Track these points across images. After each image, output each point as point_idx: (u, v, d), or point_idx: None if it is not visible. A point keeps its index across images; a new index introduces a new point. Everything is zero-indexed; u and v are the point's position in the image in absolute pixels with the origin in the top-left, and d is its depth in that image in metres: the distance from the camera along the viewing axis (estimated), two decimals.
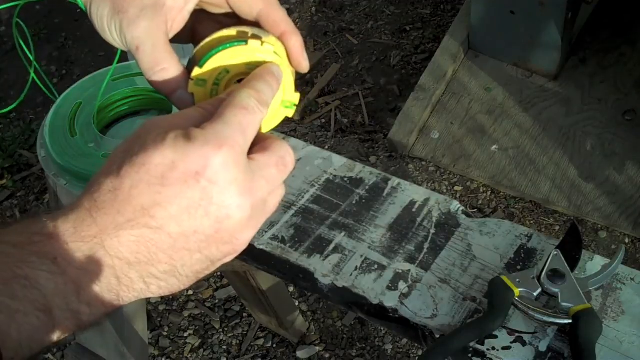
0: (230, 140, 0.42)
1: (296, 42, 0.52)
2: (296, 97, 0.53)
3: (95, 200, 0.41)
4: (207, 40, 0.51)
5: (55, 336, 0.41)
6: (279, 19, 0.51)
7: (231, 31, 0.51)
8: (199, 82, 0.51)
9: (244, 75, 0.51)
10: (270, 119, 0.53)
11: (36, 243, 0.40)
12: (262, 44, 0.49)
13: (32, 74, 0.61)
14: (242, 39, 0.49)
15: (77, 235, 0.41)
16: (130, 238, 0.41)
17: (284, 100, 0.53)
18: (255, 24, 0.53)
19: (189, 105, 0.50)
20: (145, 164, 0.41)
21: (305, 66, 0.52)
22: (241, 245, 0.45)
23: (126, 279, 0.42)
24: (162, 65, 0.50)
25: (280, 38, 0.52)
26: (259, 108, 0.45)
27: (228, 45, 0.49)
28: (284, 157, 0.46)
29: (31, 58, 0.62)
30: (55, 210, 0.43)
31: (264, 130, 0.53)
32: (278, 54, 0.51)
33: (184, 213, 0.41)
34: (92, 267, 0.41)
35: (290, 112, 0.54)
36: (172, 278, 0.44)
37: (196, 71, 0.50)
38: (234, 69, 0.51)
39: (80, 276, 0.41)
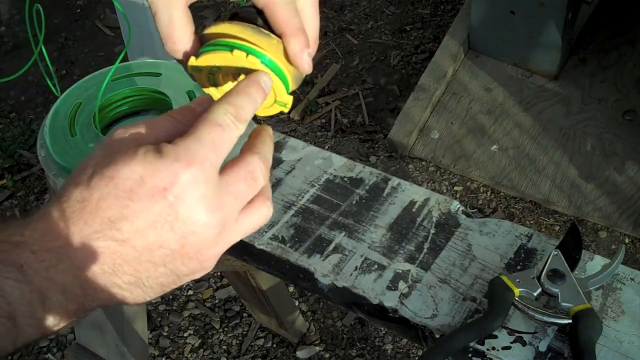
0: (200, 157, 0.43)
1: (295, 44, 0.51)
2: (289, 99, 0.53)
3: (64, 210, 0.42)
4: (213, 27, 0.51)
5: (19, 343, 0.41)
6: (281, 18, 0.51)
7: (233, 27, 0.50)
8: (196, 69, 0.51)
9: (238, 72, 0.51)
10: (264, 109, 0.54)
11: (3, 251, 0.41)
12: (246, 56, 0.49)
13: (36, 55, 0.61)
14: (231, 43, 0.49)
15: (44, 245, 0.41)
16: (96, 249, 0.42)
17: (277, 100, 0.53)
18: None
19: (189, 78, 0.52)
20: (114, 178, 0.41)
21: (304, 68, 0.52)
22: (208, 262, 0.46)
23: (90, 289, 0.43)
24: (174, 39, 0.50)
25: (281, 38, 0.52)
26: (235, 125, 0.45)
27: (216, 49, 0.50)
28: (253, 171, 0.46)
29: (36, 52, 0.62)
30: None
31: (259, 114, 0.53)
32: (273, 58, 0.51)
33: (150, 227, 0.42)
34: (57, 277, 0.41)
35: (285, 109, 0.54)
36: (136, 289, 0.44)
37: (192, 60, 0.51)
38: (224, 68, 0.51)
39: (46, 285, 0.41)
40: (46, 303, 0.41)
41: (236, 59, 0.50)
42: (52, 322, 0.42)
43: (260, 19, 0.52)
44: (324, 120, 2.20)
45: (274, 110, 0.54)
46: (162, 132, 0.45)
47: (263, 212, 0.48)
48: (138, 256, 0.43)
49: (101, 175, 0.42)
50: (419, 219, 0.82)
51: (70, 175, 0.44)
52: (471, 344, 0.69)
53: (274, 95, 0.53)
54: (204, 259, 0.45)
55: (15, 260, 0.40)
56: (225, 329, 1.73)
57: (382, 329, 1.69)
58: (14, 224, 0.42)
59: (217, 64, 0.51)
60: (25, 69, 0.66)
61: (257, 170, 0.47)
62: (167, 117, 0.47)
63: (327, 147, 2.09)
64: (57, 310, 0.42)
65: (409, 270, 0.77)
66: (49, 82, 0.70)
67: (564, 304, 0.69)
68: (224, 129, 0.45)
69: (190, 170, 0.42)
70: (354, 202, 0.84)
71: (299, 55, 0.51)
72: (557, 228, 1.84)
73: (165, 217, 0.42)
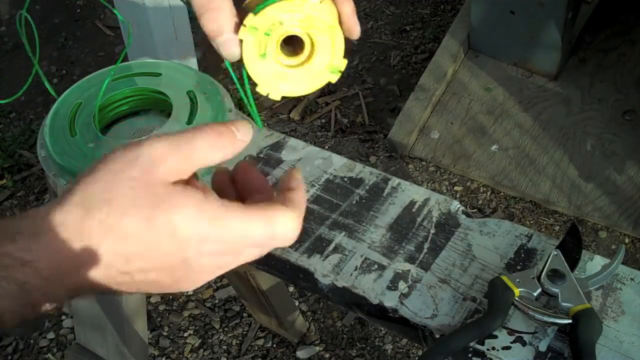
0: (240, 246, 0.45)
1: (348, 6, 0.50)
2: (343, 63, 0.52)
3: (88, 231, 0.41)
4: None
5: None
6: None
7: None
8: (251, 30, 0.49)
9: (295, 32, 0.50)
10: (312, 79, 0.52)
11: (8, 267, 0.40)
12: (320, 2, 0.48)
13: (36, 67, 0.61)
14: None
15: (50, 263, 0.41)
16: (99, 275, 0.42)
17: (330, 64, 0.52)
18: None
19: (233, 51, 0.49)
20: (161, 231, 0.42)
21: (356, 32, 0.51)
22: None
23: (76, 296, 0.44)
24: (215, 3, 0.48)
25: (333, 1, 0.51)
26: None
27: None
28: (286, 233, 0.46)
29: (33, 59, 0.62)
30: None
31: (302, 92, 0.51)
32: (331, 16, 0.50)
33: (159, 272, 0.43)
34: (54, 291, 0.42)
35: (334, 78, 0.53)
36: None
37: (250, 18, 0.48)
38: (288, 22, 0.49)
39: (40, 299, 0.41)
40: (35, 309, 0.42)
41: (308, 6, 0.48)
42: (30, 315, 0.42)
43: None
44: (324, 120, 2.20)
45: (323, 81, 0.52)
46: (200, 160, 0.44)
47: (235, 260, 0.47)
48: (130, 282, 0.43)
49: (146, 217, 0.41)
50: (419, 219, 0.82)
51: (91, 183, 0.42)
52: (471, 344, 0.69)
53: (329, 58, 0.51)
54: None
55: (20, 279, 0.40)
56: (225, 329, 1.73)
57: (382, 329, 1.69)
58: (25, 232, 0.41)
59: (283, 17, 0.49)
60: (24, 89, 0.67)
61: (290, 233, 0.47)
62: (205, 141, 0.44)
63: (327, 147, 2.09)
64: (40, 309, 0.42)
65: (409, 270, 0.77)
66: (47, 85, 0.70)
67: (564, 304, 0.69)
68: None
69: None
70: (354, 202, 0.84)
71: (352, 17, 0.50)
72: (557, 228, 1.84)
73: (176, 270, 0.43)
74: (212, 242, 0.42)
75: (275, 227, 0.44)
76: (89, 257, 0.41)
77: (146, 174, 0.42)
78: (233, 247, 0.43)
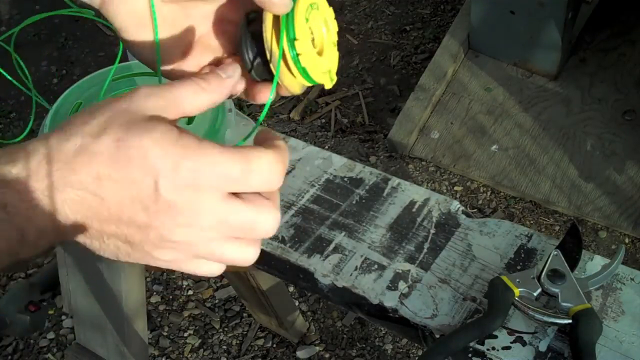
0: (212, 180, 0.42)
1: None
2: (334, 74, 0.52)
3: (60, 151, 0.41)
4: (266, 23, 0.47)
5: None
6: None
7: None
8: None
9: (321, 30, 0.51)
10: (315, 76, 0.50)
11: None
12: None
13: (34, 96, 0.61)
14: None
15: (30, 185, 0.41)
16: (74, 198, 0.42)
17: (332, 70, 0.52)
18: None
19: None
20: (131, 147, 0.41)
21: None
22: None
23: (62, 234, 0.43)
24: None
25: None
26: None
27: None
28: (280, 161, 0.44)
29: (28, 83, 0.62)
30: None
31: (299, 91, 0.50)
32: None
33: (129, 201, 0.42)
34: (36, 217, 0.42)
35: (330, 84, 0.52)
36: (96, 242, 0.44)
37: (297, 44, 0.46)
38: (313, 22, 0.49)
39: (24, 224, 0.41)
40: (23, 239, 0.42)
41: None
42: (25, 254, 0.42)
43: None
44: (324, 120, 2.20)
45: (320, 80, 0.51)
46: (187, 102, 0.45)
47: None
48: (107, 218, 0.43)
49: (117, 138, 0.41)
50: (419, 219, 0.82)
51: (77, 116, 0.43)
52: (471, 344, 0.69)
53: (330, 63, 0.51)
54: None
55: (1, 199, 0.40)
56: (225, 329, 1.73)
57: (382, 329, 1.69)
58: (6, 152, 0.42)
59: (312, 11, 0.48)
60: (26, 133, 0.67)
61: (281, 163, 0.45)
62: (192, 84, 0.45)
63: (327, 147, 2.09)
64: (30, 245, 0.42)
65: (409, 270, 0.77)
66: (43, 101, 0.70)
67: (564, 304, 0.69)
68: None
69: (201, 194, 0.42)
70: (354, 202, 0.84)
71: None
72: (557, 228, 1.84)
73: (149, 201, 0.42)
74: (185, 170, 0.41)
75: (252, 161, 0.43)
76: (62, 177, 0.41)
77: (128, 106, 0.42)
78: (208, 181, 0.42)
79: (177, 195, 0.42)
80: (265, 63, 0.48)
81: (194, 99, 0.45)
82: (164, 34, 0.51)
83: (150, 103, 0.43)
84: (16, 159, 0.42)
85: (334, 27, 0.51)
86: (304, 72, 0.48)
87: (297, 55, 0.47)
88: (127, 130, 0.41)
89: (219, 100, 0.47)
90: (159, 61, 0.52)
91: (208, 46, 0.54)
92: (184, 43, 0.53)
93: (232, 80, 0.47)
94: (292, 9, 0.46)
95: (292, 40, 0.46)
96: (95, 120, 0.42)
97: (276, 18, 0.46)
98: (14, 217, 0.41)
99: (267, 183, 0.44)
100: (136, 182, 0.41)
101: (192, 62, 0.53)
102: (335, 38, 0.52)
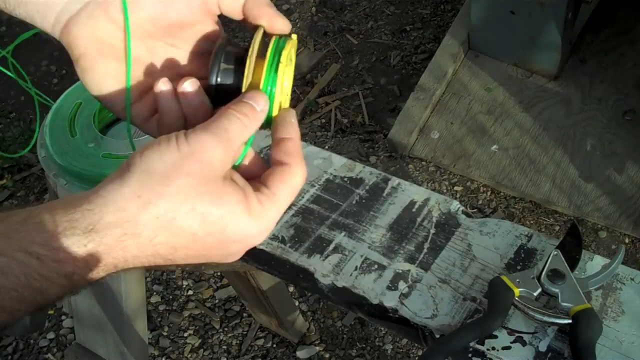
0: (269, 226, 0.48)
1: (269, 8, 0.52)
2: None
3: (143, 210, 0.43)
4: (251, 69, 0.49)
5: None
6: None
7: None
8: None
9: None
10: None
11: (59, 262, 0.41)
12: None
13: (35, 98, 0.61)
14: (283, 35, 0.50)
15: (102, 260, 0.43)
16: (144, 262, 0.45)
17: (287, 96, 0.53)
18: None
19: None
20: (216, 225, 0.45)
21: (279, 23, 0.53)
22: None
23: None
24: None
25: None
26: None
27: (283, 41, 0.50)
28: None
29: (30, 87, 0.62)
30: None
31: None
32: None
33: (194, 254, 0.47)
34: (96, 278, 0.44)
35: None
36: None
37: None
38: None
39: (78, 283, 0.43)
40: (73, 288, 0.43)
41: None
42: (68, 291, 0.44)
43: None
44: (324, 120, 2.20)
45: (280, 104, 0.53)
46: (237, 142, 0.47)
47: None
48: (167, 263, 0.46)
49: (200, 212, 0.44)
50: (419, 219, 0.82)
51: (152, 173, 0.43)
52: (471, 344, 0.69)
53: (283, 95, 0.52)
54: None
55: (68, 271, 0.42)
56: (225, 329, 1.73)
57: (382, 329, 1.69)
58: (77, 218, 0.42)
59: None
60: (26, 149, 0.67)
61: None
62: (237, 122, 0.46)
63: (327, 147, 2.09)
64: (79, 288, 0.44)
65: (409, 270, 0.77)
66: (47, 99, 0.70)
67: (564, 304, 0.69)
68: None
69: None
70: (354, 202, 0.84)
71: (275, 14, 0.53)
72: (557, 228, 1.84)
73: (215, 257, 0.47)
74: (253, 237, 0.46)
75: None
76: (140, 248, 0.43)
77: (203, 169, 0.44)
78: (266, 231, 0.47)
79: (241, 247, 0.47)
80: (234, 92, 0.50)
81: (241, 137, 0.47)
82: (124, 67, 0.51)
83: (219, 159, 0.45)
84: (89, 229, 0.42)
85: (289, 85, 0.52)
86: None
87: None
88: (210, 204, 0.44)
89: (255, 132, 0.49)
90: (129, 93, 0.51)
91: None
92: (145, 81, 0.52)
93: (264, 114, 0.49)
94: (280, 53, 0.49)
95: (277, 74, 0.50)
96: (173, 189, 0.43)
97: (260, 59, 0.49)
98: (76, 283, 0.43)
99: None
100: (210, 247, 0.45)
101: (146, 101, 0.53)
102: (289, 94, 0.54)
